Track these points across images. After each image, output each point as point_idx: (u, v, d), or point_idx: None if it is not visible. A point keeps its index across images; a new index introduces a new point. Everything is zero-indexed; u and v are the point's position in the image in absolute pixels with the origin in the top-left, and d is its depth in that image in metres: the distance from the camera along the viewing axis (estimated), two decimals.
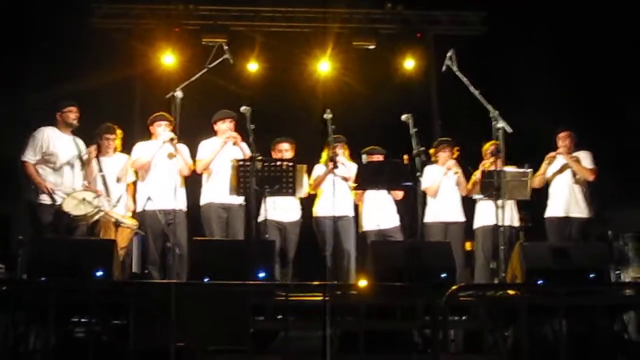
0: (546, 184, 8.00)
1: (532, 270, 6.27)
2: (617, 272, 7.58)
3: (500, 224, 6.67)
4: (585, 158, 7.89)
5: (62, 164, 7.27)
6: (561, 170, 7.92)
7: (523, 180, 7.43)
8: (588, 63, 9.02)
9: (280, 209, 7.68)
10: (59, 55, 9.00)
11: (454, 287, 5.34)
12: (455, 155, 8.17)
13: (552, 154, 7.92)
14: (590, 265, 6.37)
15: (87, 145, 7.50)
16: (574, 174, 7.88)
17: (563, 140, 7.94)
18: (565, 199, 7.86)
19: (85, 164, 7.40)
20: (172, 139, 7.31)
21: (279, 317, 5.87)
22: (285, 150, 7.79)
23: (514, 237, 7.61)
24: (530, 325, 5.85)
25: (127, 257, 7.24)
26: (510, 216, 7.70)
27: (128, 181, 7.64)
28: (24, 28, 8.99)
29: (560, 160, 7.94)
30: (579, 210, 7.83)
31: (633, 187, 8.81)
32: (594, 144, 8.06)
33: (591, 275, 6.27)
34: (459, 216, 8.07)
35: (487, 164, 7.86)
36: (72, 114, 7.38)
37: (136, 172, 7.62)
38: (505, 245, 6.69)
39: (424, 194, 7.84)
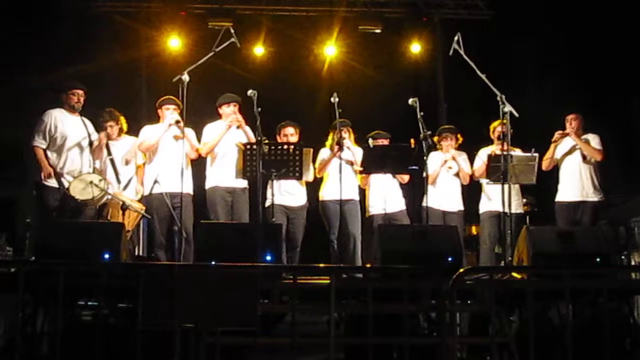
0: (555, 168, 7.92)
1: (538, 254, 6.26)
2: (623, 256, 7.57)
3: (506, 209, 6.67)
4: (593, 139, 7.82)
5: (70, 146, 7.27)
6: (570, 151, 7.84)
7: (530, 164, 7.31)
8: (595, 47, 8.98)
9: (287, 194, 7.68)
10: (64, 39, 8.98)
11: (460, 270, 5.33)
12: (459, 142, 8.11)
13: (559, 132, 7.84)
14: (597, 250, 6.35)
15: (95, 126, 7.49)
16: (584, 157, 7.79)
17: (571, 122, 7.85)
18: (577, 183, 7.77)
19: (94, 149, 7.40)
20: (177, 122, 7.32)
21: (285, 299, 5.88)
22: (290, 134, 7.77)
23: (519, 222, 7.57)
24: (536, 309, 5.84)
25: (131, 241, 7.25)
26: (517, 201, 7.65)
27: (138, 163, 7.65)
28: (27, 11, 8.96)
29: (568, 141, 7.86)
30: (590, 193, 7.74)
31: None
32: (602, 128, 8.01)
33: (597, 259, 6.26)
34: (457, 205, 8.04)
35: (493, 149, 7.83)
36: (74, 97, 7.34)
37: (144, 154, 7.62)
38: (511, 230, 6.69)
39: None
